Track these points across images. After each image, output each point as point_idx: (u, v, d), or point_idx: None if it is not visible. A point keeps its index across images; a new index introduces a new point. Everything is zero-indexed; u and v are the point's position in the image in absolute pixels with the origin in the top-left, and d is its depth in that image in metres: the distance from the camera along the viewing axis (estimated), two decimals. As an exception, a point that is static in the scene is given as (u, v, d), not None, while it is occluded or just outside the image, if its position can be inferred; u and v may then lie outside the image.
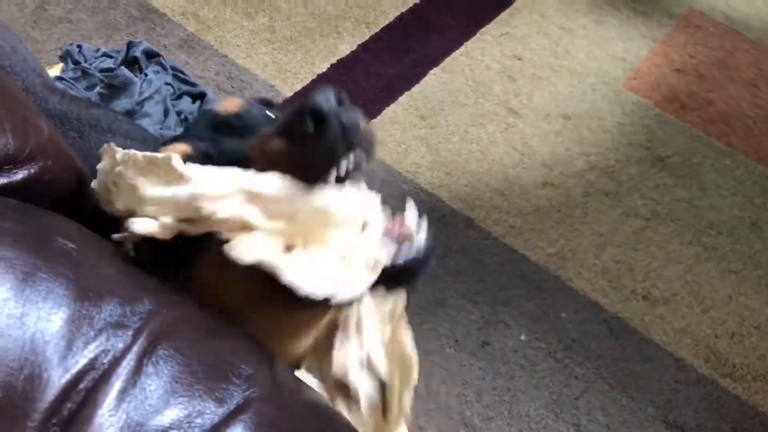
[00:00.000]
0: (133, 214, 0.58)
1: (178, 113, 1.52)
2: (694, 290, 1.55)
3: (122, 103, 1.49)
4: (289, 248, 0.57)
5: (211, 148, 0.63)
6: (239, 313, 0.58)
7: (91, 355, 0.41)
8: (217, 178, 0.57)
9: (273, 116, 0.69)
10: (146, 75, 1.57)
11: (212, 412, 0.41)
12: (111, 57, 1.65)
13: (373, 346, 0.68)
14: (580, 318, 1.48)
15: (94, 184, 0.61)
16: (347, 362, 0.67)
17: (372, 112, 1.77)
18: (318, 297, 0.55)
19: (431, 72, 1.87)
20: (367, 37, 1.91)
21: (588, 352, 1.44)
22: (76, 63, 1.62)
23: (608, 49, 1.97)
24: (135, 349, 0.42)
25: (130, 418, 0.39)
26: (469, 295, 1.48)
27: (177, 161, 0.57)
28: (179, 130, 1.21)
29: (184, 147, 0.63)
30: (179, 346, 0.43)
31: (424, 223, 0.66)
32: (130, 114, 1.46)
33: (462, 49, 1.92)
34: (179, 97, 1.57)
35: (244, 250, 0.54)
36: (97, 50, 1.67)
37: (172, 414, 0.41)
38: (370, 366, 0.68)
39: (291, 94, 1.75)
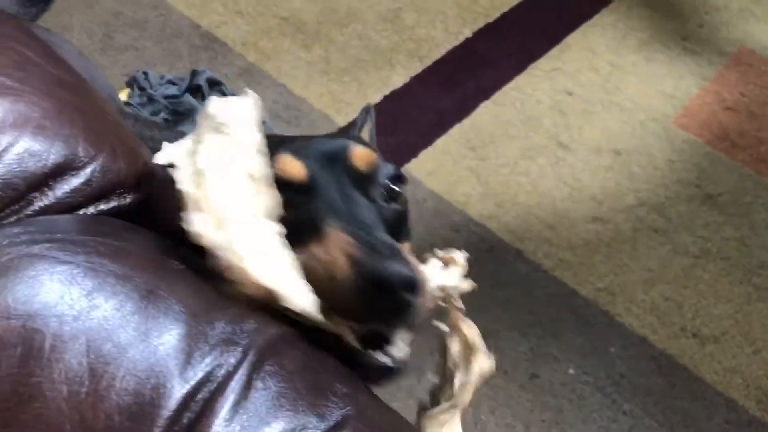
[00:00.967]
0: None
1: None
2: (745, 330, 1.54)
3: (186, 129, 1.55)
4: None
5: (333, 191, 0.63)
6: None
7: (208, 368, 0.44)
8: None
9: (399, 190, 0.68)
10: (209, 102, 1.63)
11: (314, 426, 0.44)
12: (175, 84, 1.72)
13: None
14: (628, 353, 1.48)
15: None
16: None
17: (423, 143, 1.80)
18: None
19: (482, 105, 1.90)
20: (419, 70, 1.95)
21: (636, 388, 1.43)
22: (142, 89, 1.69)
23: (658, 86, 1.98)
24: (245, 364, 0.45)
25: (244, 429, 0.42)
26: (518, 327, 1.49)
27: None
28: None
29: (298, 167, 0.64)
30: (283, 362, 0.46)
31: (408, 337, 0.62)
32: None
33: (513, 83, 1.95)
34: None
35: None
36: (162, 77, 1.74)
37: (279, 427, 0.44)
38: None
39: (344, 124, 1.80)
